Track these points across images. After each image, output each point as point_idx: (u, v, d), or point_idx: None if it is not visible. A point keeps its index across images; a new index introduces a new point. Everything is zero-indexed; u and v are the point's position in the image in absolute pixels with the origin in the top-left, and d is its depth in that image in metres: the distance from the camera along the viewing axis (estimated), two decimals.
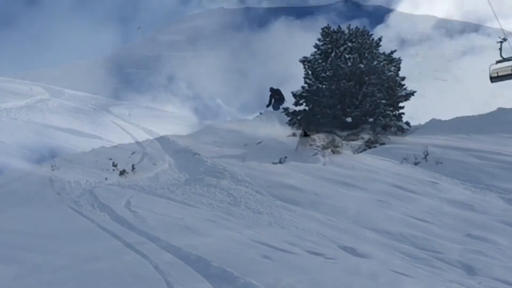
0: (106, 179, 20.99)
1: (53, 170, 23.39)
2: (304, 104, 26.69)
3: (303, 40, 61.84)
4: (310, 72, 27.05)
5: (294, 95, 26.78)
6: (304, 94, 26.41)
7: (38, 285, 8.81)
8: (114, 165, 22.41)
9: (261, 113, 32.35)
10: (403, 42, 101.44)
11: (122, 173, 21.59)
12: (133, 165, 22.20)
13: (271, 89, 32.51)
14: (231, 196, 16.82)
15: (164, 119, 49.44)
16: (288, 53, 72.04)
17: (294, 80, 36.28)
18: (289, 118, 26.64)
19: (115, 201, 17.22)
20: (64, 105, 50.87)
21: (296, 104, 26.93)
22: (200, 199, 16.82)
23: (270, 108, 32.66)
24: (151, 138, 27.12)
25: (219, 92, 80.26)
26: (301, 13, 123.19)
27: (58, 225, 15.57)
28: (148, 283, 8.74)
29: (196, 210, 15.73)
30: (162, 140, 26.49)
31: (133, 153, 24.07)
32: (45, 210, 17.85)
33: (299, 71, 28.30)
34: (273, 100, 32.26)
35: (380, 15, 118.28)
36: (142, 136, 34.33)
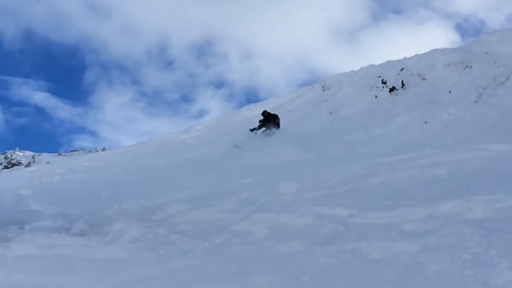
0: (376, 97, 21.06)
1: (323, 90, 24.15)
2: None
3: None
4: None
5: None
6: None
7: (316, 198, 9.22)
8: (383, 82, 22.29)
9: None
10: None
11: (392, 90, 21.42)
12: (402, 82, 21.83)
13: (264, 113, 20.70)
14: None
15: (424, 36, 47.46)
16: None
17: None
18: None
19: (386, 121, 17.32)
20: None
21: None
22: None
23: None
24: (418, 53, 26.18)
25: (479, 7, 74.54)
26: None
27: (333, 144, 16.16)
28: (421, 197, 8.56)
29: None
30: (426, 55, 25.39)
31: (402, 69, 23.59)
32: (320, 129, 18.64)
33: None
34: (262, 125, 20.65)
35: None
36: (408, 52, 33.39)
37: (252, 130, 19.87)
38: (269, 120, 19.35)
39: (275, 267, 5.90)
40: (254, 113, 25.45)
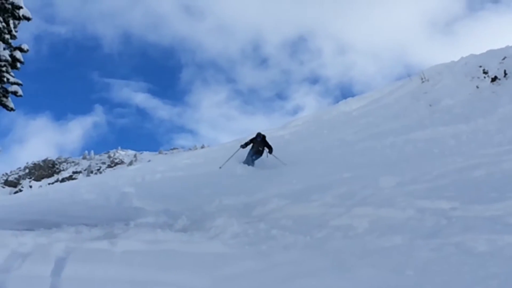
0: (477, 87, 20.40)
1: (422, 82, 23.64)
2: None
3: None
4: None
5: None
6: None
7: (417, 191, 9.09)
8: (485, 72, 21.49)
9: None
10: None
11: (494, 79, 20.64)
12: (504, 71, 20.97)
13: (258, 135, 20.01)
14: None
15: None
16: None
17: None
18: None
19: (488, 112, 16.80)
20: None
21: None
22: None
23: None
24: None
25: None
26: None
27: (431, 138, 15.82)
28: None
29: None
30: None
31: (504, 58, 22.60)
32: (419, 122, 18.31)
33: None
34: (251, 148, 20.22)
35: None
36: (509, 42, 31.96)
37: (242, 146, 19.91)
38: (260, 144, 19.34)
39: (377, 261, 5.89)
40: (352, 107, 25.32)
